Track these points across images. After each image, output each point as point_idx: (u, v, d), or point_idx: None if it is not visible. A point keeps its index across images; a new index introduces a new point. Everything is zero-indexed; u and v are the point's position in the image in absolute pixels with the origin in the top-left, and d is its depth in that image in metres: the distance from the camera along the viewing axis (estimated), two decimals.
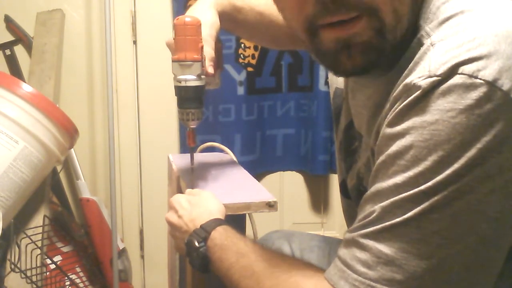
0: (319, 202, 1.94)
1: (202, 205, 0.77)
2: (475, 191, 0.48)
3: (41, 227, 1.48)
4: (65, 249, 1.66)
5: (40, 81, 1.64)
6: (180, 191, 0.94)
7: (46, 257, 1.54)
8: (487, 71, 0.47)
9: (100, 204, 1.72)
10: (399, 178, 0.51)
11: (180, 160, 1.07)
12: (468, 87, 0.47)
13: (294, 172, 1.91)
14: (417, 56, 0.53)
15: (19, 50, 1.74)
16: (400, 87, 0.53)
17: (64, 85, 1.76)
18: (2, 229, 1.27)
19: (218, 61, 0.91)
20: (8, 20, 1.71)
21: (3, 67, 1.72)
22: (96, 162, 1.81)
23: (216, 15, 0.86)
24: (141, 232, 1.88)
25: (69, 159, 1.71)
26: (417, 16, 0.57)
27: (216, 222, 0.72)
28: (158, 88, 1.78)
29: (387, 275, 0.51)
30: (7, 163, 1.32)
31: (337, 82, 0.80)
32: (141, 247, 1.89)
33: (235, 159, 1.13)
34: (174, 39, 0.80)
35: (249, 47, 1.76)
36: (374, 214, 0.52)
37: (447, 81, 0.48)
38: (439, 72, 0.49)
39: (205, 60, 0.80)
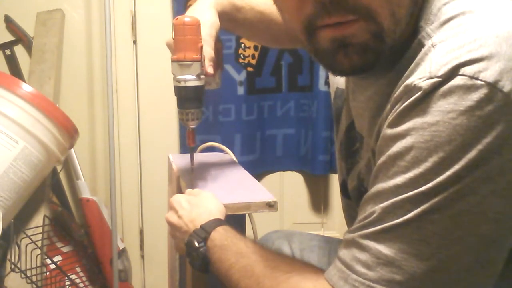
0: (319, 202, 1.94)
1: (202, 205, 0.77)
2: (475, 193, 0.48)
3: (41, 227, 1.48)
4: (65, 249, 1.66)
5: (40, 81, 1.64)
6: (180, 191, 0.94)
7: (46, 257, 1.54)
8: (488, 72, 0.47)
9: (100, 204, 1.72)
10: (399, 179, 0.51)
11: (180, 160, 1.07)
12: (469, 89, 0.47)
13: (294, 172, 1.91)
14: (418, 57, 0.53)
15: (19, 50, 1.74)
16: (401, 88, 0.53)
17: (64, 85, 1.76)
18: (2, 229, 1.27)
19: (218, 61, 0.91)
20: (8, 20, 1.71)
21: (3, 67, 1.72)
22: (96, 162, 1.81)
23: (215, 14, 0.86)
24: (141, 232, 1.88)
25: (69, 159, 1.71)
26: (417, 17, 0.57)
27: (216, 223, 0.72)
28: (158, 88, 1.78)
29: (387, 275, 0.50)
30: (7, 163, 1.32)
31: (338, 82, 0.80)
32: (141, 247, 1.89)
33: (235, 159, 1.13)
34: (173, 39, 0.79)
35: (249, 47, 1.75)
36: (374, 215, 0.52)
37: (448, 82, 0.48)
38: (440, 73, 0.49)
39: (204, 60, 0.80)
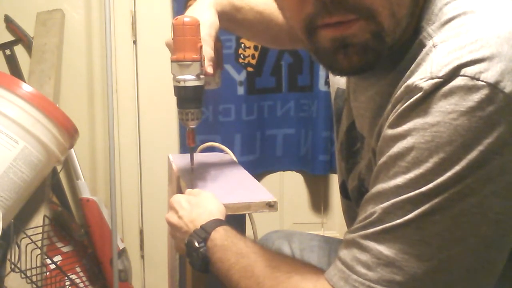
0: (319, 202, 1.94)
1: (202, 205, 0.77)
2: (476, 193, 0.48)
3: (41, 227, 1.48)
4: (65, 249, 1.66)
5: (40, 81, 1.64)
6: (180, 191, 0.94)
7: (46, 257, 1.54)
8: (489, 73, 0.47)
9: (100, 204, 1.72)
10: (400, 180, 0.51)
11: (180, 160, 1.07)
12: (470, 89, 0.47)
13: (294, 172, 1.91)
14: (419, 57, 0.53)
15: (19, 50, 1.74)
16: (402, 88, 0.53)
17: (64, 85, 1.76)
18: (2, 229, 1.27)
19: (218, 60, 0.91)
20: (8, 20, 1.71)
21: (3, 67, 1.72)
22: (96, 162, 1.81)
23: (215, 14, 0.86)
24: (141, 232, 1.88)
25: (69, 159, 1.71)
26: (418, 17, 0.57)
27: (216, 223, 0.72)
28: (158, 88, 1.78)
29: (387, 276, 0.50)
30: (7, 163, 1.32)
31: (339, 82, 0.80)
32: (141, 247, 1.89)
33: (235, 159, 1.13)
34: (173, 39, 0.79)
35: (249, 47, 1.75)
36: (375, 215, 0.52)
37: (449, 83, 0.48)
38: (441, 74, 0.49)
39: (204, 60, 0.80)
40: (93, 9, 1.74)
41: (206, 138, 1.51)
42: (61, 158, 1.48)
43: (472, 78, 0.47)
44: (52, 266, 1.57)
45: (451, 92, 0.48)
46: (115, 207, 1.62)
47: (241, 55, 1.75)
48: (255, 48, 1.76)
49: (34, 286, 1.44)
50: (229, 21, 0.90)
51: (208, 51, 0.81)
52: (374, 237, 0.52)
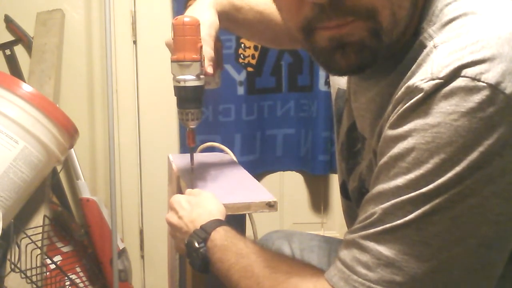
0: (319, 202, 1.94)
1: (202, 205, 0.77)
2: (476, 194, 0.48)
3: (41, 227, 1.48)
4: (65, 249, 1.66)
5: (40, 81, 1.64)
6: (180, 191, 0.94)
7: (46, 257, 1.54)
8: (490, 74, 0.47)
9: (100, 204, 1.72)
10: (400, 180, 0.50)
11: (180, 160, 1.07)
12: (470, 90, 0.47)
13: (294, 172, 1.91)
14: (420, 58, 0.53)
15: (19, 50, 1.74)
16: (403, 89, 0.52)
17: (64, 85, 1.76)
18: (2, 229, 1.27)
19: (218, 60, 0.91)
20: (8, 20, 1.71)
21: (3, 67, 1.72)
22: (96, 162, 1.81)
23: (215, 14, 0.86)
24: (141, 232, 1.88)
25: (69, 159, 1.71)
26: (419, 18, 0.57)
27: (216, 223, 0.72)
28: (158, 88, 1.78)
29: (387, 277, 0.50)
30: (7, 163, 1.32)
31: (340, 83, 0.80)
32: (141, 247, 1.89)
33: (235, 159, 1.13)
34: (173, 39, 0.79)
35: (249, 47, 1.75)
36: (375, 216, 0.52)
37: (449, 83, 0.48)
38: (441, 75, 0.49)
39: (204, 60, 0.80)
40: (93, 9, 1.74)
41: (206, 138, 1.51)
42: (61, 158, 1.47)
43: (473, 79, 0.47)
44: (52, 266, 1.57)
45: (451, 93, 0.48)
46: (115, 207, 1.62)
47: (241, 55, 1.75)
48: (255, 48, 1.76)
49: (34, 286, 1.44)
50: (229, 21, 0.90)
51: (208, 51, 0.81)
52: (374, 237, 0.52)
